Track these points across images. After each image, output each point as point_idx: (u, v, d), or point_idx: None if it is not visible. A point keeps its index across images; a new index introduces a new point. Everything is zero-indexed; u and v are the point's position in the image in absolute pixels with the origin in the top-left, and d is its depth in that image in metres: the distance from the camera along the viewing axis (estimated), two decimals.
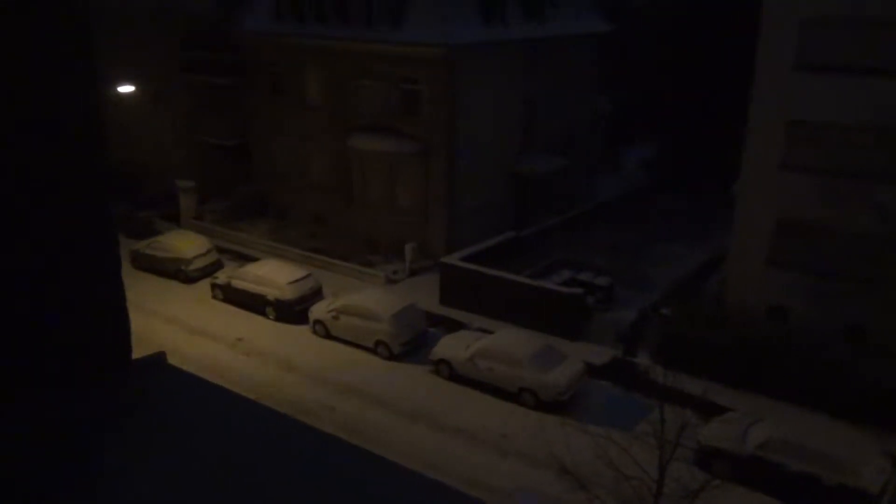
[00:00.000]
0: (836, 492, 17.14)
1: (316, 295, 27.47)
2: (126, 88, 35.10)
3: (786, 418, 19.32)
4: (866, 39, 20.78)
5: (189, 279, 30.11)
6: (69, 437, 5.17)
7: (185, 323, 26.89)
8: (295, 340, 25.78)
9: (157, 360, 6.34)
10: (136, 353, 6.83)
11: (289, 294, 26.85)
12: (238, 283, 27.89)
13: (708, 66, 37.05)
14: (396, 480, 5.16)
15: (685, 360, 20.04)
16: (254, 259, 30.79)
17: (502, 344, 22.57)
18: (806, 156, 22.13)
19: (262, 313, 27.28)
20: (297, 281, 27.27)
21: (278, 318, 26.96)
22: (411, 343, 24.52)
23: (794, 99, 21.96)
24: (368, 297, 25.55)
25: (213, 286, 28.87)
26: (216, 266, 30.76)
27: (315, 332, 25.96)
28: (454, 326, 25.82)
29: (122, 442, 5.15)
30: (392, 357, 24.31)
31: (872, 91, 20.77)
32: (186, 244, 30.85)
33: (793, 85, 21.93)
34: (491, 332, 24.25)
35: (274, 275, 27.48)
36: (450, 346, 23.43)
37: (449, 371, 23.11)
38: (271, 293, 27.03)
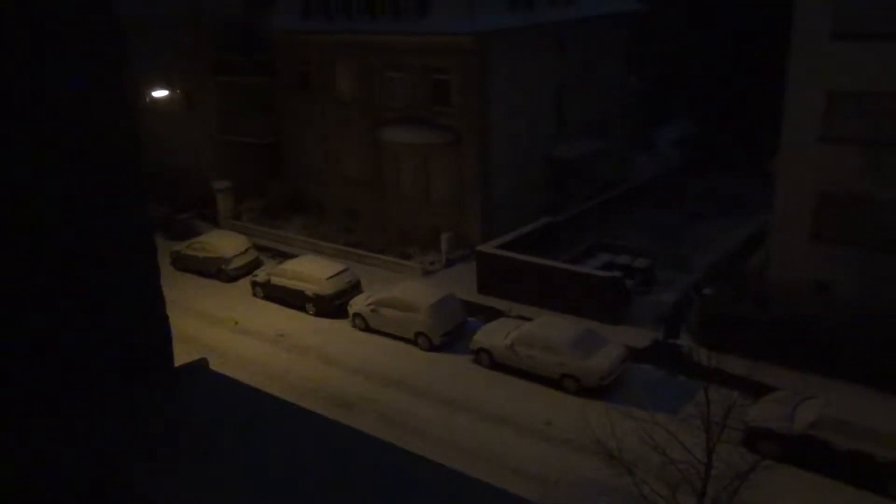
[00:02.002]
0: (891, 468, 16.77)
1: (354, 289, 27.64)
2: (160, 92, 35.64)
3: (835, 396, 18.92)
4: None
5: (229, 278, 30.50)
6: (113, 448, 5.22)
7: (227, 322, 27.25)
8: (335, 335, 25.98)
9: (199, 367, 6.38)
10: (183, 352, 6.91)
11: (327, 289, 27.05)
12: (277, 280, 28.17)
13: (740, 41, 36.28)
14: (443, 484, 5.12)
15: (728, 340, 19.76)
16: (291, 255, 31.07)
17: (542, 330, 22.47)
18: (846, 126, 21.55)
19: (302, 309, 27.54)
20: (334, 276, 27.46)
21: (318, 313, 27.19)
22: (451, 333, 24.54)
23: (833, 68, 21.38)
24: (406, 289, 25.62)
25: (253, 284, 29.21)
26: (255, 264, 31.11)
27: (355, 326, 26.13)
28: (493, 315, 25.77)
29: (167, 452, 5.20)
30: (432, 348, 24.36)
31: None
32: (225, 244, 31.25)
33: (830, 54, 21.35)
34: (530, 319, 24.16)
35: (312, 270, 27.70)
36: (489, 335, 23.40)
37: (489, 360, 23.08)
38: (310, 289, 27.26)
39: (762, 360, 19.63)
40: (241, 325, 26.91)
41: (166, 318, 6.16)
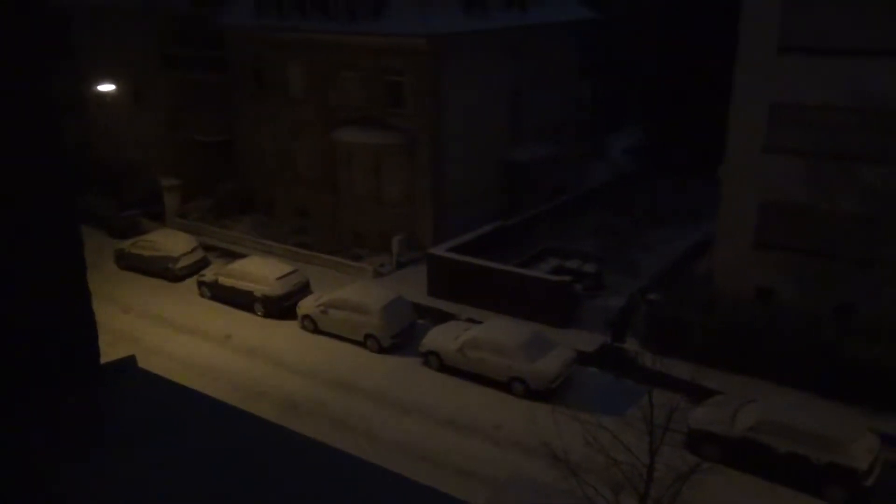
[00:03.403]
0: (826, 471, 17.26)
1: (304, 290, 27.38)
2: (107, 87, 34.81)
3: (775, 399, 19.40)
4: (848, 20, 20.80)
5: (176, 277, 29.94)
6: (34, 445, 5.07)
7: (172, 321, 26.74)
8: (283, 336, 25.69)
9: (127, 364, 6.23)
10: (124, 352, 6.73)
11: (276, 290, 26.74)
12: (225, 281, 27.75)
13: (692, 50, 37.05)
14: (378, 482, 5.09)
15: (674, 345, 20.11)
16: (241, 256, 30.63)
17: (491, 334, 22.56)
18: (789, 138, 22.17)
19: (250, 310, 27.17)
20: (284, 276, 27.17)
21: (266, 315, 26.85)
22: (401, 336, 24.48)
23: (777, 81, 21.98)
24: (356, 291, 25.48)
25: (200, 284, 28.71)
26: (202, 264, 30.59)
27: (304, 328, 25.88)
28: (443, 318, 25.79)
29: (90, 449, 5.07)
30: (382, 350, 24.27)
31: (854, 72, 20.81)
32: (172, 242, 30.68)
33: (775, 67, 21.95)
34: (480, 323, 24.25)
35: (261, 271, 27.36)
36: (439, 338, 23.41)
37: (439, 362, 23.09)
38: (259, 289, 26.91)
39: (706, 365, 20.05)
40: (193, 327, 26.41)
41: (92, 314, 6.00)
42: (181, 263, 30.06)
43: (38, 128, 5.39)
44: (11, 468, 4.84)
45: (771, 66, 21.99)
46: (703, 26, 35.90)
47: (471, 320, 25.12)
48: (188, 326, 26.39)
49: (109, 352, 6.70)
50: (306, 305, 25.97)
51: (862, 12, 20.65)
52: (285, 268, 27.85)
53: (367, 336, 24.40)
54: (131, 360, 6.32)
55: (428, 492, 5.17)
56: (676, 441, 15.01)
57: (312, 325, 25.64)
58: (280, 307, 26.64)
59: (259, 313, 27.00)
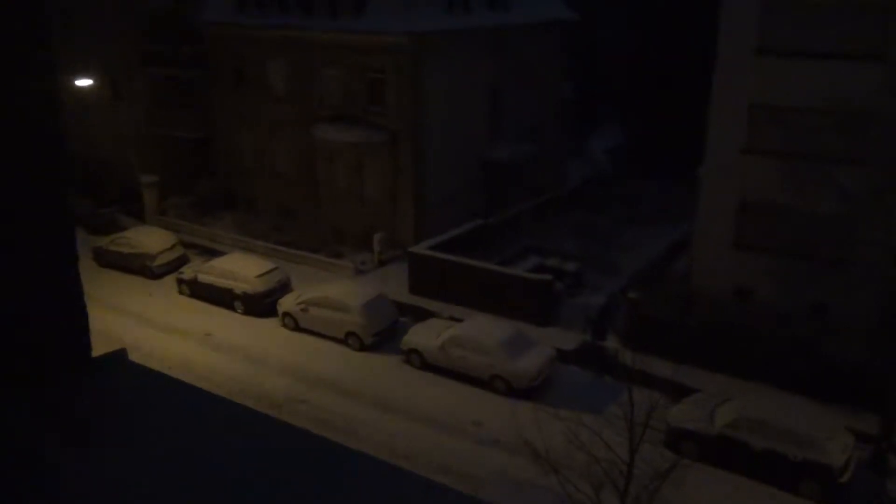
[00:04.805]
0: (802, 468, 17.52)
1: (284, 288, 27.28)
2: (84, 82, 34.39)
3: (752, 398, 19.66)
4: (823, 23, 21.08)
5: (154, 275, 29.70)
6: (25, 439, 5.04)
7: (151, 319, 26.53)
8: (264, 334, 25.59)
9: (118, 357, 6.20)
10: (104, 351, 6.69)
11: (257, 287, 26.63)
12: (205, 278, 27.57)
13: (673, 51, 37.34)
14: (369, 472, 5.13)
15: (653, 344, 20.29)
16: (220, 253, 30.44)
17: (473, 332, 22.63)
18: (767, 139, 22.44)
19: (230, 307, 27.03)
20: (264, 274, 27.05)
21: (246, 312, 26.73)
22: (382, 333, 24.47)
23: (756, 83, 22.22)
24: (338, 289, 25.44)
25: (180, 281, 28.51)
26: (182, 261, 30.38)
27: (284, 325, 25.79)
28: (424, 315, 25.81)
29: (82, 441, 5.05)
30: (363, 348, 24.24)
31: (831, 74, 21.09)
32: (151, 240, 30.45)
33: (754, 69, 22.19)
34: (461, 321, 24.30)
35: (241, 268, 27.22)
36: (420, 336, 23.44)
37: (420, 360, 23.11)
38: (239, 287, 26.78)
39: (685, 363, 20.28)
40: (172, 324, 26.21)
41: (84, 305, 5.97)
42: (160, 261, 29.83)
43: (40, 115, 5.38)
44: None
45: (749, 68, 22.24)
46: (683, 27, 36.19)
47: (452, 318, 25.17)
48: (167, 324, 26.20)
49: None
50: (287, 303, 25.88)
51: (837, 17, 20.93)
52: (266, 265, 27.74)
53: (349, 334, 24.36)
54: (122, 353, 6.30)
55: (415, 480, 5.23)
56: (655, 439, 15.16)
57: (293, 323, 25.56)
58: (260, 305, 26.53)
59: (239, 311, 26.87)
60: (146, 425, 5.27)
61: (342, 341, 24.56)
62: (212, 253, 31.28)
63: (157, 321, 26.41)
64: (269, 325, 26.06)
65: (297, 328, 25.51)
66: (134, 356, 6.84)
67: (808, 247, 21.89)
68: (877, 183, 18.36)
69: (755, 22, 21.87)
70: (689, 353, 21.23)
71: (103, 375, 5.88)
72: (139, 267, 29.85)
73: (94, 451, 4.95)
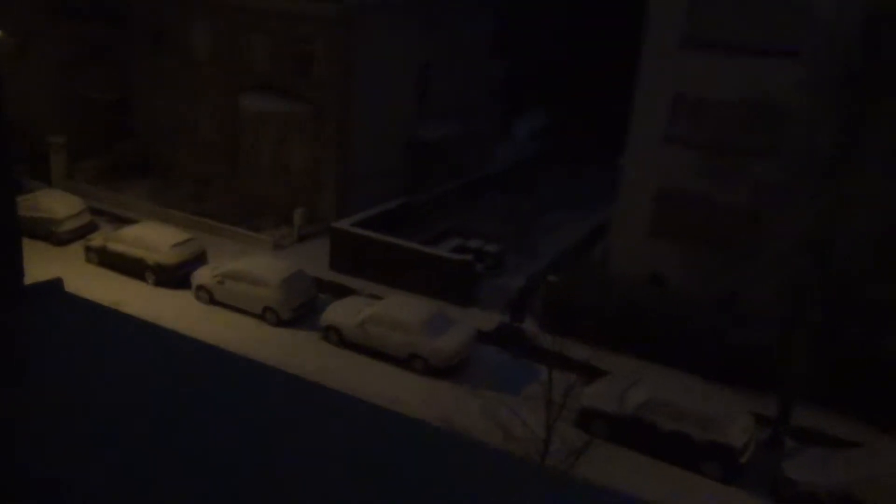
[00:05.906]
0: (705, 448, 18.20)
1: (199, 259, 26.46)
2: None
3: (662, 381, 20.26)
4: (744, 19, 21.69)
5: (60, 241, 28.34)
6: None
7: None
8: (176, 306, 24.76)
9: (53, 286, 5.94)
10: None
11: (170, 258, 25.73)
12: (115, 246, 26.47)
13: (600, 38, 37.82)
14: (295, 392, 5.02)
15: (570, 326, 20.59)
16: (133, 222, 29.27)
17: (393, 310, 22.49)
18: (688, 130, 23.02)
19: (141, 278, 26.05)
20: (179, 244, 26.16)
21: (158, 283, 25.82)
22: (301, 309, 24.07)
23: (678, 74, 22.73)
24: (255, 263, 24.86)
25: (88, 249, 27.29)
26: (90, 228, 29.10)
27: (198, 298, 25.04)
28: (344, 292, 25.52)
29: (15, 371, 4.76)
30: (280, 323, 23.80)
31: (748, 69, 21.71)
32: (57, 204, 29.00)
33: (677, 61, 22.67)
34: (381, 298, 24.13)
35: (154, 238, 26.25)
36: (339, 313, 23.16)
37: (338, 337, 22.85)
38: (151, 257, 25.82)
39: (601, 347, 20.70)
40: (78, 293, 25.01)
41: (18, 230, 5.68)
42: (66, 226, 28.48)
43: None
44: None
45: (674, 59, 22.71)
46: (611, 14, 36.69)
47: (372, 296, 24.96)
48: (73, 293, 25.00)
49: None
50: (202, 275, 25.12)
51: (757, 13, 21.57)
52: (181, 235, 26.82)
53: (266, 309, 23.86)
54: (58, 282, 6.06)
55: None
56: (567, 419, 15.42)
57: (208, 296, 24.85)
58: (174, 276, 25.66)
59: (150, 282, 25.93)
60: (80, 353, 5.04)
61: (259, 316, 24.03)
62: (124, 221, 30.03)
63: None
64: (182, 297, 25.26)
65: (211, 301, 24.82)
66: None
67: (722, 236, 22.59)
68: (788, 175, 19.04)
69: (682, 14, 22.31)
70: (604, 337, 21.68)
71: (37, 304, 5.61)
72: (44, 232, 28.39)
73: (25, 379, 4.70)
